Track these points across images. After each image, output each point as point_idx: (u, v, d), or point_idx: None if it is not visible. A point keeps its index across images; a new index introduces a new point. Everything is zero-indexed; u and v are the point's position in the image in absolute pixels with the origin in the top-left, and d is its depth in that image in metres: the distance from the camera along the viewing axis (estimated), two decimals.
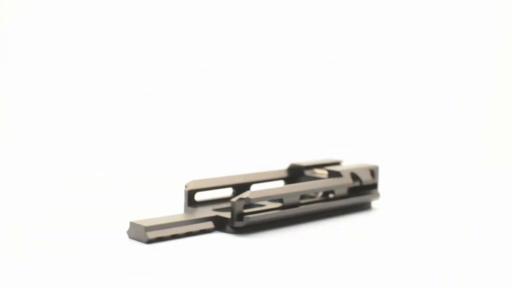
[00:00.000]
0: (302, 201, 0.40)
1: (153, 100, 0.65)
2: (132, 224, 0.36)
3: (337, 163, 0.46)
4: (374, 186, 0.44)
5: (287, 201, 0.39)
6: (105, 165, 0.57)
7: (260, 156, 0.61)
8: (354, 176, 0.43)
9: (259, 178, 0.44)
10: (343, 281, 0.31)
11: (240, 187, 0.42)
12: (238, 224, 0.37)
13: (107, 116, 0.63)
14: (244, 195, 0.37)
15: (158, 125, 0.64)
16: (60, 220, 0.39)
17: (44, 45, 0.62)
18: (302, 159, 0.48)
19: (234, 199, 0.37)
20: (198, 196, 0.41)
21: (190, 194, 0.40)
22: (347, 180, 0.42)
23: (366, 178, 0.43)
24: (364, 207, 0.44)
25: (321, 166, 0.45)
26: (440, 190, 0.52)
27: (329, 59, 0.68)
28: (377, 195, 0.44)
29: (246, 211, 0.38)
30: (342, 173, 0.43)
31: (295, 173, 0.45)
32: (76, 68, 0.63)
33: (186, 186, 0.40)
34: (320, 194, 0.43)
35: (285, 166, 0.46)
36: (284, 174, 0.45)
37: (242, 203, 0.37)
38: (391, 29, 0.69)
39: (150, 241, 0.35)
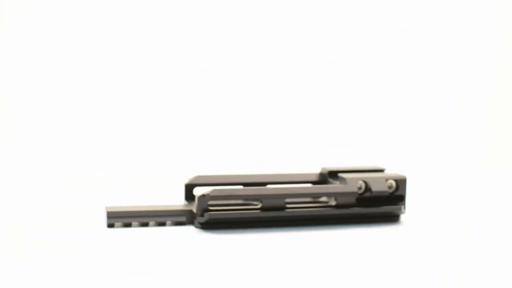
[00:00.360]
0: (289, 205, 0.40)
1: (158, 101, 0.65)
2: (106, 209, 0.38)
3: (379, 171, 0.42)
4: (398, 198, 0.41)
5: (267, 202, 0.39)
6: (105, 165, 0.57)
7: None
8: (366, 186, 0.40)
9: (268, 179, 0.43)
10: (342, 281, 0.31)
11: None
12: (200, 219, 0.38)
13: (107, 116, 0.63)
14: (207, 191, 0.38)
15: (168, 126, 0.64)
16: (60, 220, 0.39)
17: (44, 45, 0.62)
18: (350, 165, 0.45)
19: (198, 195, 0.38)
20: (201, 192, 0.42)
21: (188, 188, 0.42)
22: (349, 188, 0.40)
23: (378, 188, 0.40)
24: (391, 219, 0.41)
25: (340, 172, 0.43)
26: (440, 190, 0.52)
27: (326, 59, 0.68)
28: (399, 209, 0.41)
29: (215, 208, 0.38)
30: (348, 181, 0.40)
31: (322, 178, 0.43)
32: (76, 68, 0.63)
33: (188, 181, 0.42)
34: (332, 200, 0.41)
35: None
36: (309, 178, 0.44)
37: (205, 199, 0.38)
38: (391, 29, 0.69)
39: (110, 226, 0.38)
